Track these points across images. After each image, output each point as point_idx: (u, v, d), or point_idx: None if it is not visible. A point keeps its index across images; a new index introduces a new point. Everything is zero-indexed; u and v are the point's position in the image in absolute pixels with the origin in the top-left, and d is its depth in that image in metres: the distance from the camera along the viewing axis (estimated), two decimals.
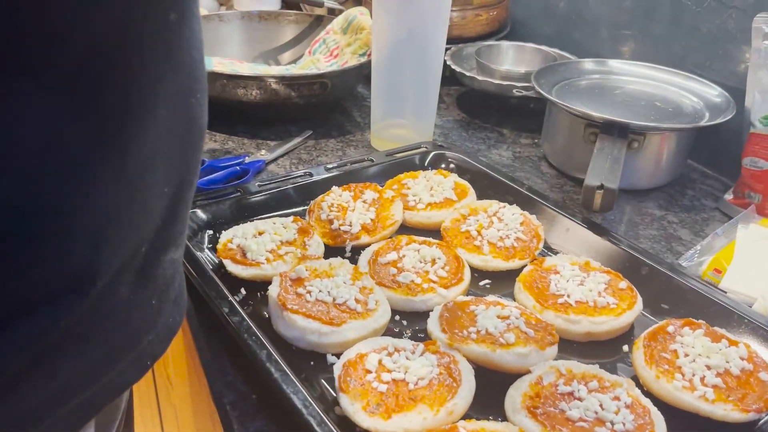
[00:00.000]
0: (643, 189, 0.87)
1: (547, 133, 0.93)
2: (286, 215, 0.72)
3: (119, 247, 0.32)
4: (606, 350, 0.59)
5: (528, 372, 0.52)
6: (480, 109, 1.10)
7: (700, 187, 0.90)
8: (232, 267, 0.62)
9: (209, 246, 0.68)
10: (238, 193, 0.73)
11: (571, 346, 0.59)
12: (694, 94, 0.91)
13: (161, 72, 0.33)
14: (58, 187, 0.28)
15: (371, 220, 0.71)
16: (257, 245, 0.64)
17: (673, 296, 0.63)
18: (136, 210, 0.33)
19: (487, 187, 0.81)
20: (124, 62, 0.30)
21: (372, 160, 0.83)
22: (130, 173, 0.32)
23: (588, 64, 0.98)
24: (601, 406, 0.48)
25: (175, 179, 0.36)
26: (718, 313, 0.60)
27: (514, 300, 0.63)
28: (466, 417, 0.49)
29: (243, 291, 0.62)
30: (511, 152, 0.97)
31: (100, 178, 0.30)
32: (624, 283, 0.62)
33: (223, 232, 0.67)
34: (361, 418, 0.47)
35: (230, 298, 0.57)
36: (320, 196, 0.75)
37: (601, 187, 0.70)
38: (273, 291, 0.58)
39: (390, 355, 0.52)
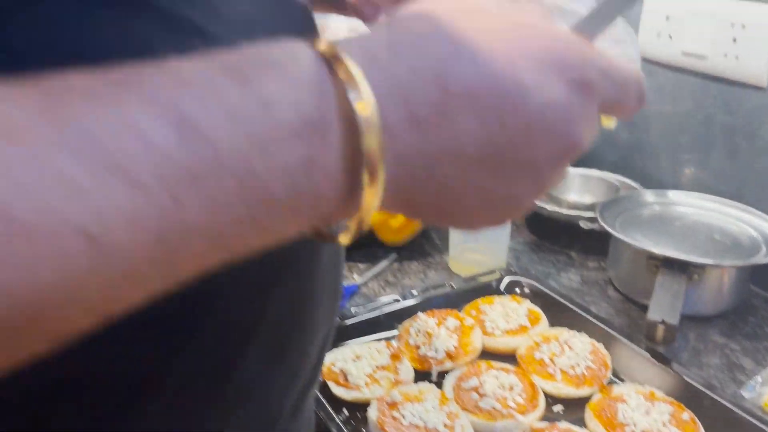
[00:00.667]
0: (706, 316, 0.93)
1: (612, 260, 1.01)
2: (378, 340, 0.83)
3: (293, 396, 0.43)
4: None
5: None
6: (549, 231, 1.19)
7: (763, 314, 0.95)
8: (336, 389, 0.73)
9: None
10: (338, 319, 0.85)
11: None
12: (751, 226, 0.98)
13: None
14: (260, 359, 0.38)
15: (454, 347, 0.80)
16: (357, 369, 0.74)
17: (734, 428, 0.68)
18: (307, 363, 0.43)
19: (558, 312, 0.89)
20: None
21: (452, 286, 0.94)
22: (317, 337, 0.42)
23: (649, 196, 1.07)
24: None
25: (327, 327, 0.45)
26: None
27: (585, 426, 0.70)
28: None
29: (345, 411, 0.72)
30: (579, 276, 1.05)
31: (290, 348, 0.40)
32: (687, 414, 0.69)
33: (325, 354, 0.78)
34: None
35: (336, 419, 0.67)
36: (408, 321, 0.85)
37: (663, 322, 0.77)
38: (372, 414, 0.67)
39: None
